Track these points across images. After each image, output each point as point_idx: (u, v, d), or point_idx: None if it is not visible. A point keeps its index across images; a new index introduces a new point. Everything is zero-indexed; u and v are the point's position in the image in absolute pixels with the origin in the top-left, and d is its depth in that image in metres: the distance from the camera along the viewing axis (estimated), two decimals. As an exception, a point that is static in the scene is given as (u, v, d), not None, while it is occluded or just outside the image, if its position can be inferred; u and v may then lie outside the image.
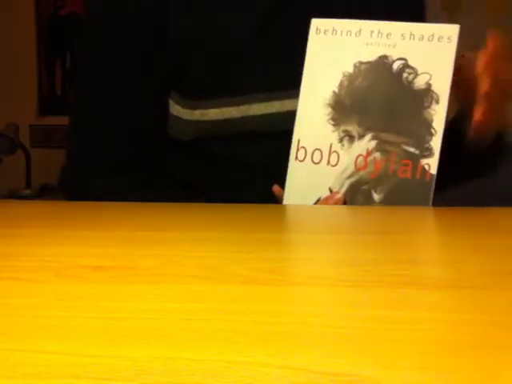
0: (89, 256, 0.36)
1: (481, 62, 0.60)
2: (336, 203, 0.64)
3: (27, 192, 2.24)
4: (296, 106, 0.70)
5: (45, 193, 2.25)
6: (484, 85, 0.59)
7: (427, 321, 0.23)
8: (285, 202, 0.67)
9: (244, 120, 0.71)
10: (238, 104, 0.71)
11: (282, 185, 0.71)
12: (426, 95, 0.61)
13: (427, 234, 0.45)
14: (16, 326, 0.23)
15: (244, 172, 0.75)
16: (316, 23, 0.66)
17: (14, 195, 2.21)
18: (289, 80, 0.72)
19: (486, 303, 0.26)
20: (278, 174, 0.70)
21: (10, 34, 2.57)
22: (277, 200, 0.70)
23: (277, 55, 0.72)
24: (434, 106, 0.61)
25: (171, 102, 0.74)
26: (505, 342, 0.21)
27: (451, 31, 0.61)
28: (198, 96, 0.72)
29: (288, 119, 0.71)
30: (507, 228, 0.48)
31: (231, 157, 0.74)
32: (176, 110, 0.74)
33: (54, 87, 2.61)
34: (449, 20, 2.05)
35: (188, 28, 0.70)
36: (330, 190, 0.64)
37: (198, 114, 0.72)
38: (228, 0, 0.72)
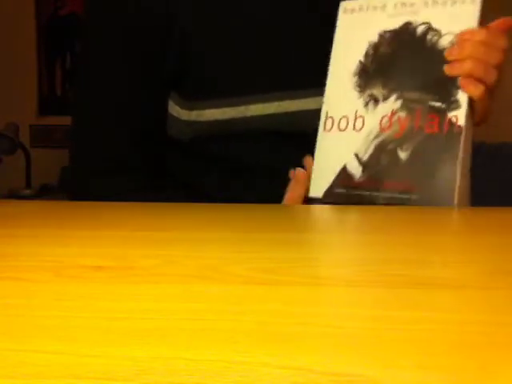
0: (89, 256, 0.36)
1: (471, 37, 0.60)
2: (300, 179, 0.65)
3: (27, 192, 2.24)
4: (293, 106, 0.70)
5: (45, 193, 2.26)
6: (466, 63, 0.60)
7: (427, 321, 0.23)
8: (313, 171, 0.67)
9: (243, 120, 0.71)
10: (236, 104, 0.71)
11: (281, 185, 0.71)
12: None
13: (427, 233, 0.45)
14: (16, 326, 0.23)
15: (243, 172, 0.75)
16: (344, 4, 0.68)
17: (14, 195, 2.21)
18: (287, 81, 0.72)
19: (486, 303, 0.26)
20: (278, 173, 0.70)
21: (9, 33, 2.57)
22: (277, 200, 0.70)
23: (275, 56, 0.72)
24: (465, 92, 0.61)
25: (171, 103, 0.74)
26: (505, 341, 0.21)
27: None
28: (196, 96, 0.72)
29: (286, 120, 0.71)
30: (507, 228, 0.48)
31: (230, 157, 0.74)
32: (175, 110, 0.74)
33: (54, 87, 2.61)
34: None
35: (188, 28, 0.70)
36: (356, 155, 0.64)
37: (196, 115, 0.72)
38: (228, 0, 0.72)
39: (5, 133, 2.18)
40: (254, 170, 0.74)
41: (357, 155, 0.64)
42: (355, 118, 0.65)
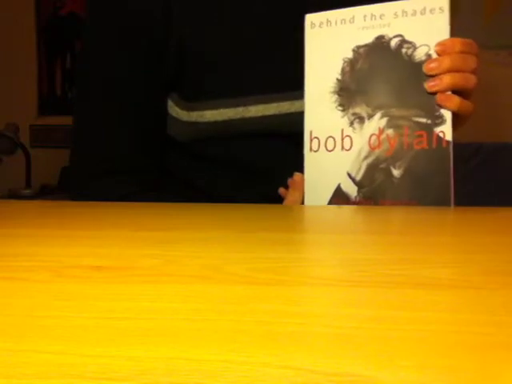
0: (89, 256, 0.36)
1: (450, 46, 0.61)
2: (295, 185, 0.65)
3: (27, 192, 2.24)
4: (293, 107, 0.70)
5: (45, 193, 2.25)
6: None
7: (427, 321, 0.23)
8: (306, 192, 0.67)
9: (242, 121, 0.71)
10: (235, 106, 0.71)
11: (281, 185, 0.71)
12: None
13: (427, 234, 0.45)
14: (16, 326, 0.23)
15: (243, 173, 0.75)
16: (310, 18, 0.67)
17: (13, 195, 2.21)
18: (286, 82, 0.72)
19: (486, 303, 0.26)
20: (277, 174, 0.70)
21: (10, 34, 2.57)
22: (277, 200, 0.70)
23: (274, 57, 0.72)
24: (443, 107, 0.62)
25: (171, 104, 0.74)
26: (505, 341, 0.21)
27: (442, 1, 0.62)
28: (196, 97, 0.72)
29: (285, 121, 0.72)
30: (507, 228, 0.48)
31: (230, 158, 0.74)
32: (175, 111, 0.74)
33: (54, 87, 2.61)
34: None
35: (186, 29, 0.70)
36: (349, 175, 0.65)
37: (195, 116, 0.72)
38: (226, 2, 0.72)
39: (5, 133, 2.18)
40: (253, 171, 0.74)
41: (349, 175, 0.65)
42: (342, 138, 0.65)
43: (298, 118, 0.69)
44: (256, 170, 0.74)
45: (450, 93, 0.61)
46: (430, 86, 0.61)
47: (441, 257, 0.37)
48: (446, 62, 0.61)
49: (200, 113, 0.72)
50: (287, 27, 0.73)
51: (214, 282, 0.30)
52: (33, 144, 2.56)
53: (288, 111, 0.71)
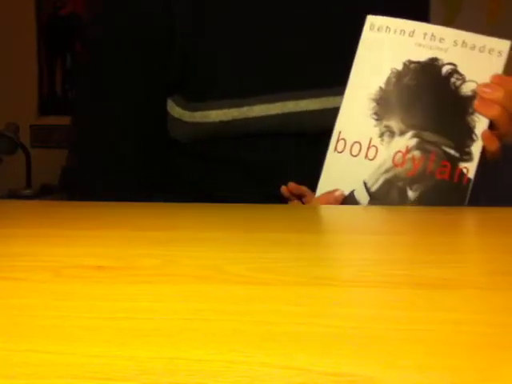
0: (89, 256, 0.36)
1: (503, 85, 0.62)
2: (336, 200, 0.64)
3: (27, 192, 2.24)
4: (297, 107, 0.70)
5: (45, 193, 2.25)
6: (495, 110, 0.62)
7: (427, 321, 0.23)
8: (318, 191, 0.67)
9: (245, 121, 0.71)
10: (239, 106, 0.70)
11: (283, 185, 0.71)
12: (470, 102, 0.63)
13: (427, 234, 0.45)
14: (16, 326, 0.23)
15: (246, 173, 0.74)
16: (371, 20, 0.67)
17: (13, 195, 2.21)
18: (290, 81, 0.71)
19: (486, 303, 0.26)
20: (280, 174, 0.70)
21: (10, 34, 2.57)
22: (278, 200, 0.70)
23: (277, 56, 0.72)
24: (478, 114, 0.62)
25: (172, 104, 0.74)
26: (505, 341, 0.21)
27: (502, 46, 0.63)
28: (200, 98, 0.72)
29: (290, 120, 0.71)
30: (507, 228, 0.48)
31: (233, 158, 0.74)
32: (176, 111, 0.74)
33: (54, 87, 2.61)
34: (448, 19, 2.05)
35: (189, 29, 0.70)
36: (365, 184, 0.64)
37: (198, 116, 0.72)
38: (230, 2, 0.71)
39: (5, 133, 2.18)
40: (256, 171, 0.74)
41: (365, 184, 0.64)
42: (368, 147, 0.65)
43: (303, 117, 0.69)
44: (259, 169, 0.74)
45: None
46: (479, 104, 0.62)
47: (441, 257, 0.37)
48: (499, 92, 0.61)
49: (204, 113, 0.71)
50: (290, 26, 0.72)
51: (214, 282, 0.30)
52: (33, 144, 2.56)
53: (292, 110, 0.71)
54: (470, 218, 0.55)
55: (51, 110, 2.59)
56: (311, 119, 0.70)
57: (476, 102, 0.62)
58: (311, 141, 0.69)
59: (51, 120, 2.57)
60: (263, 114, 0.71)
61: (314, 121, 0.69)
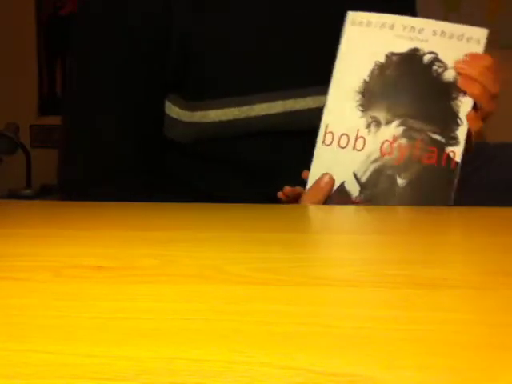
0: (89, 256, 0.36)
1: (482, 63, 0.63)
2: (326, 183, 0.65)
3: (27, 192, 2.24)
4: (297, 105, 0.70)
5: (45, 193, 2.25)
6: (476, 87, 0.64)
7: (427, 321, 0.23)
8: (308, 184, 0.68)
9: (246, 120, 0.71)
10: (239, 105, 0.70)
11: (284, 185, 0.71)
12: (453, 88, 0.64)
13: (427, 234, 0.45)
14: (16, 326, 0.23)
15: (245, 172, 0.74)
16: (352, 16, 0.68)
17: (13, 195, 2.21)
18: (291, 79, 0.72)
19: (486, 303, 0.26)
20: (280, 174, 0.70)
21: (10, 34, 2.57)
22: (278, 200, 0.70)
23: (276, 55, 0.72)
24: (461, 98, 0.64)
25: (170, 105, 0.74)
26: (505, 341, 0.21)
27: (480, 34, 0.64)
28: (199, 97, 0.72)
29: (289, 119, 0.71)
30: (507, 228, 0.48)
31: (231, 157, 0.74)
32: (175, 112, 0.73)
33: (54, 87, 2.61)
34: (448, 19, 2.05)
35: (187, 28, 0.70)
36: (355, 175, 0.65)
37: (198, 116, 0.72)
38: (230, 2, 0.71)
39: (5, 133, 2.18)
40: (255, 170, 0.74)
41: (355, 174, 0.65)
42: (356, 138, 0.66)
43: (303, 115, 0.69)
44: (259, 169, 0.74)
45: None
46: (462, 81, 0.63)
47: (441, 257, 0.37)
48: (477, 68, 0.63)
49: (204, 113, 0.71)
50: (289, 25, 0.72)
51: (214, 282, 0.30)
52: (33, 144, 2.56)
53: (292, 109, 0.71)
54: (470, 218, 0.55)
55: (51, 110, 2.59)
56: (312, 117, 0.70)
57: (459, 80, 0.64)
58: (311, 140, 0.69)
59: (51, 120, 2.57)
60: (264, 112, 0.71)
61: (314, 119, 0.69)
